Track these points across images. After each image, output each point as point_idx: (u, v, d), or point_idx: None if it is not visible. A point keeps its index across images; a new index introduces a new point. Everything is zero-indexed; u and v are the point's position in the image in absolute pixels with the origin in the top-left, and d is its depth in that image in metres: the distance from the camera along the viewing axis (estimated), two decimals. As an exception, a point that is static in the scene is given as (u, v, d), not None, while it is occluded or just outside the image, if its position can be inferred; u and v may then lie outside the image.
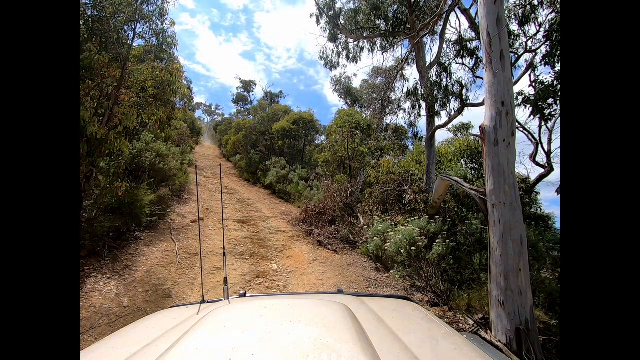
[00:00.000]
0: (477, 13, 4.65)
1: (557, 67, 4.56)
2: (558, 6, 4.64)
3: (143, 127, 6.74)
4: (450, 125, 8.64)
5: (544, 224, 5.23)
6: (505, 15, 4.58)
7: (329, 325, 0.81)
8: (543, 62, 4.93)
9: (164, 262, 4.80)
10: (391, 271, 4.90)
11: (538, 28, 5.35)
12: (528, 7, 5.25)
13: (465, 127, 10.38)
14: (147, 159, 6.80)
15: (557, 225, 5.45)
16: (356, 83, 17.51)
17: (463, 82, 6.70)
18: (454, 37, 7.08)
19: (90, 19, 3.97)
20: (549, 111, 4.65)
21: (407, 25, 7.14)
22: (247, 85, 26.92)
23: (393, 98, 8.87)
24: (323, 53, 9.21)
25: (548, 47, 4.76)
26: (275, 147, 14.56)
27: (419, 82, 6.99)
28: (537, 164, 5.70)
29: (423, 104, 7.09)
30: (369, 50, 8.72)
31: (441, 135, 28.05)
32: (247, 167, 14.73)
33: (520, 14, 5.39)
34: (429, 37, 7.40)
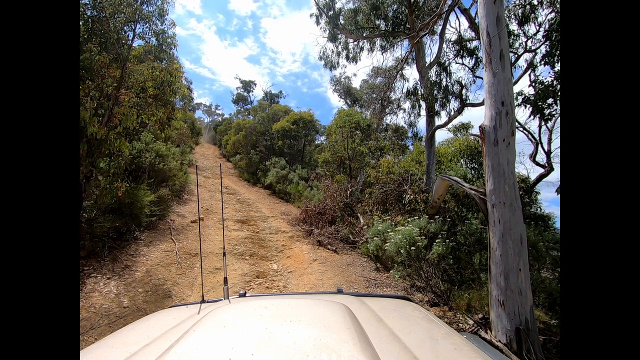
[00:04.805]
0: (476, 13, 4.65)
1: (557, 67, 4.56)
2: (558, 6, 4.64)
3: (143, 128, 6.72)
4: (450, 125, 8.65)
5: (543, 224, 5.22)
6: (505, 15, 4.58)
7: (328, 325, 0.81)
8: (543, 62, 4.93)
9: (163, 262, 4.80)
10: (391, 271, 4.90)
11: (538, 28, 5.35)
12: (528, 7, 5.25)
13: (465, 127, 10.38)
14: (147, 159, 6.79)
15: (557, 225, 5.45)
16: (356, 83, 17.53)
17: (463, 82, 6.71)
18: (454, 37, 7.08)
19: (90, 19, 3.97)
20: (549, 111, 4.66)
21: (407, 25, 7.15)
22: (247, 86, 26.95)
23: (393, 98, 8.86)
24: (323, 53, 9.23)
25: (548, 47, 4.76)
26: (275, 147, 14.56)
27: (419, 82, 6.99)
28: (537, 164, 5.70)
29: (423, 103, 7.09)
30: (368, 50, 8.73)
31: (441, 135, 28.06)
32: (247, 167, 14.73)
33: (520, 14, 5.38)
34: (428, 37, 7.39)
